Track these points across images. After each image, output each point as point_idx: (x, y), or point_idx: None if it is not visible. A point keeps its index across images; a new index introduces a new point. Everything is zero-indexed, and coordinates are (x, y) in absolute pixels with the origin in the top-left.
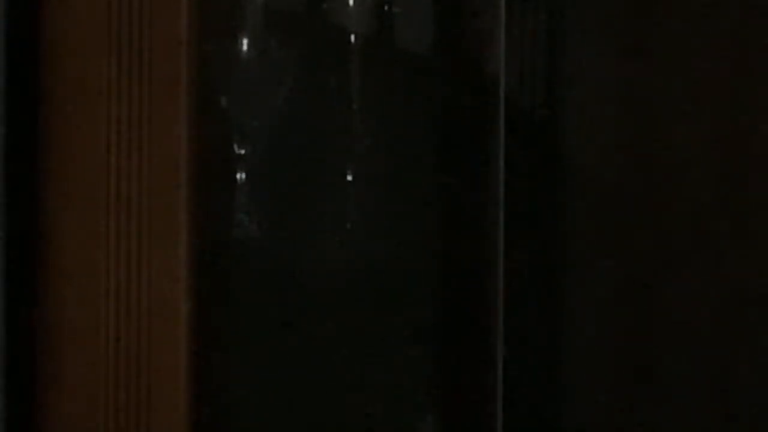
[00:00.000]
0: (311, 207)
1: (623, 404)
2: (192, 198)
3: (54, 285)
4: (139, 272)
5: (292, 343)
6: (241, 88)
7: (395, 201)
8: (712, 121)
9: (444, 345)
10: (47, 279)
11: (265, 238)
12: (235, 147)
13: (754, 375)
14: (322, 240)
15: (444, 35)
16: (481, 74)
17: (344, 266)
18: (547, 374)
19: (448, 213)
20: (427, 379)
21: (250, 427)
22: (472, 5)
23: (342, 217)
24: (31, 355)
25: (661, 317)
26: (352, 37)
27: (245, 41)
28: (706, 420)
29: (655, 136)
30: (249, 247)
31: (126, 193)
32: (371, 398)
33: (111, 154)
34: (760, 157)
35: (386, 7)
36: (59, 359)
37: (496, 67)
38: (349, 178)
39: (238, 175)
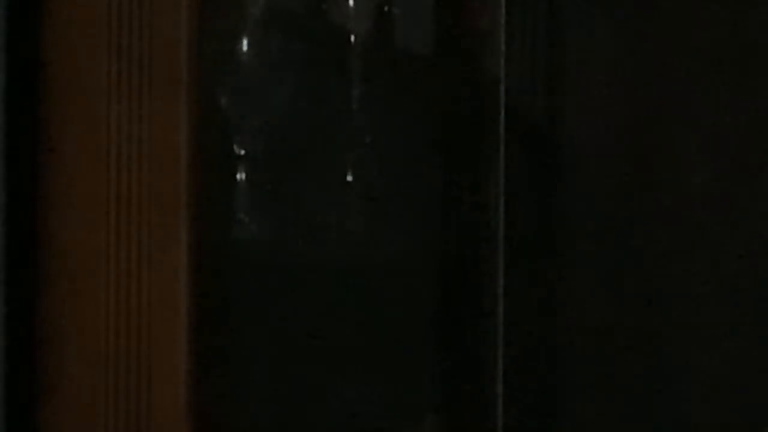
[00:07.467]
0: (311, 207)
1: (624, 404)
2: (192, 198)
3: (54, 285)
4: (139, 272)
5: (292, 343)
6: (241, 88)
7: (395, 201)
8: (714, 120)
9: (444, 345)
10: (47, 279)
11: (265, 238)
12: (235, 147)
13: (755, 373)
14: (322, 240)
15: (444, 35)
16: (481, 74)
17: (344, 266)
18: (547, 374)
19: (448, 213)
20: (427, 379)
21: (250, 427)
22: (472, 5)
23: (342, 218)
24: (31, 355)
25: (662, 316)
26: (352, 37)
27: (245, 41)
28: (708, 419)
29: (656, 135)
30: (249, 247)
31: (126, 193)
32: (371, 398)
33: (111, 154)
34: (763, 156)
35: (386, 7)
36: (59, 360)
37: (496, 67)
38: (349, 178)
39: (238, 175)
